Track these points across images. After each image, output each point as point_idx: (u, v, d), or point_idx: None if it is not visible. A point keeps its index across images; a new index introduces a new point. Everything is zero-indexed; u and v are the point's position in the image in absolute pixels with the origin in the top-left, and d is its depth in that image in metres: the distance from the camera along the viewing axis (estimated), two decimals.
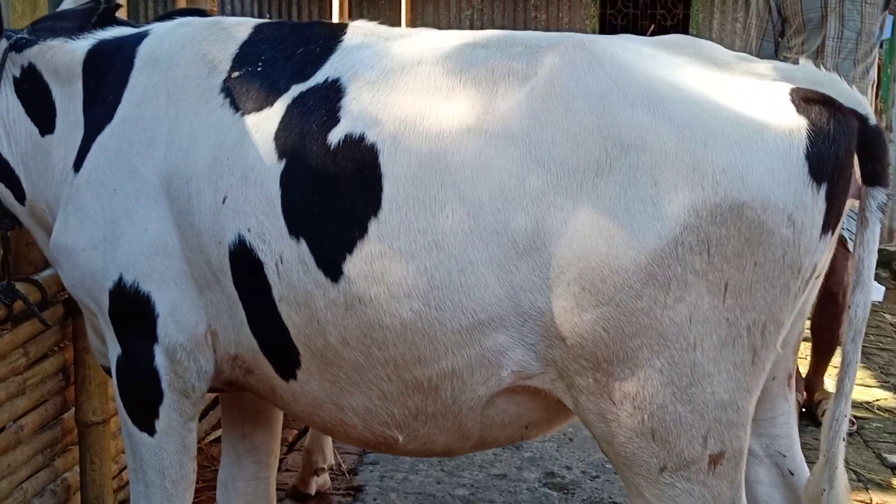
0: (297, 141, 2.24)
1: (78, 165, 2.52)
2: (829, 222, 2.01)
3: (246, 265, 2.27)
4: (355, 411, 2.30)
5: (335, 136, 2.20)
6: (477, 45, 2.27)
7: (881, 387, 5.22)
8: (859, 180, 2.08)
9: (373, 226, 2.13)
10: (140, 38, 2.59)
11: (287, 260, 2.21)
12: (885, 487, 4.25)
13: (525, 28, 10.81)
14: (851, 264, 2.13)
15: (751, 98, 2.02)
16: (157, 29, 2.61)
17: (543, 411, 2.25)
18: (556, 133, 2.05)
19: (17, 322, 3.15)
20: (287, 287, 2.22)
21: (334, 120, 2.22)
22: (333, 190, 2.18)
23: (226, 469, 2.91)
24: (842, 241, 4.08)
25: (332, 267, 2.16)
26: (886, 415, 5.13)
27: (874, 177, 2.06)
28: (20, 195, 2.74)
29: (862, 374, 5.72)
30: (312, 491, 4.00)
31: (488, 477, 4.25)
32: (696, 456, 2.04)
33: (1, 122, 2.71)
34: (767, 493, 2.36)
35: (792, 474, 2.36)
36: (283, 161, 2.24)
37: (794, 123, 1.97)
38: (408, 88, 2.22)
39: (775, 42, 5.07)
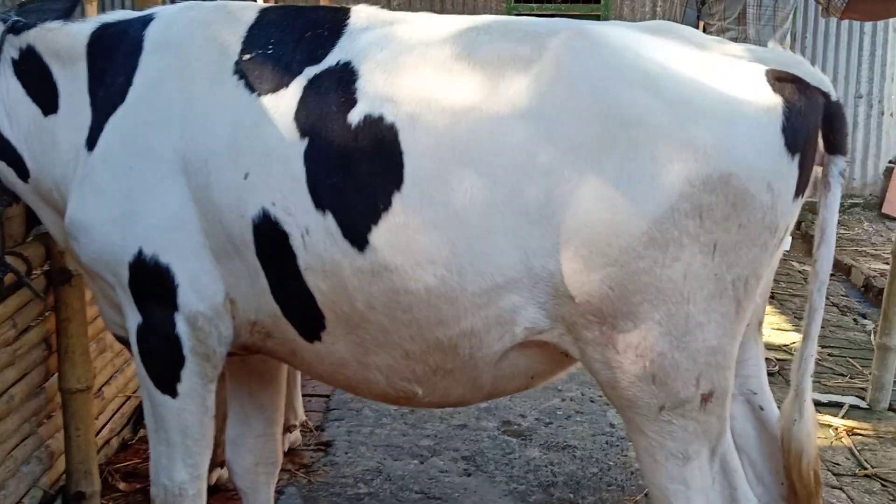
0: (318, 121, 2.40)
1: (91, 145, 2.62)
2: (801, 187, 2.30)
3: (270, 237, 2.42)
4: (379, 369, 2.50)
5: (355, 116, 2.37)
6: (480, 29, 2.46)
7: (795, 330, 5.67)
8: (822, 149, 2.37)
9: (396, 199, 2.32)
10: (146, 21, 2.69)
11: (313, 232, 2.38)
12: None
13: None
14: None
15: (733, 79, 2.27)
16: (163, 13, 2.71)
17: (549, 363, 2.50)
18: (562, 113, 2.26)
19: (4, 295, 3.24)
20: (313, 257, 2.39)
21: (352, 101, 2.39)
22: (357, 166, 2.35)
23: (235, 427, 3.07)
24: None
25: (358, 238, 2.34)
26: None
27: (836, 146, 2.35)
28: (23, 173, 2.82)
29: (777, 320, 6.20)
30: (285, 447, 4.18)
31: (450, 427, 4.51)
32: (690, 395, 2.31)
33: (1, 104, 2.77)
34: (741, 426, 2.67)
35: (762, 409, 2.67)
36: (306, 140, 2.40)
37: (772, 101, 2.24)
38: (419, 71, 2.40)
39: (697, 9, 5.38)
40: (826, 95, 2.32)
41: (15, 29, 2.79)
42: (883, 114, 9.95)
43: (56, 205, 2.82)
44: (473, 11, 10.36)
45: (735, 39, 5.00)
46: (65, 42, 2.75)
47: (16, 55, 2.78)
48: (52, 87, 2.76)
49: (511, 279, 2.31)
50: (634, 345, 2.28)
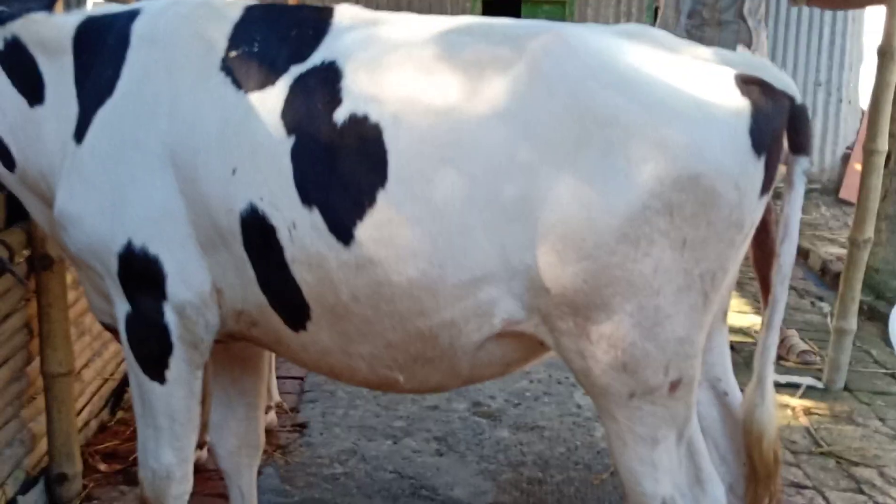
0: (304, 119, 2.47)
1: (79, 137, 2.67)
2: (766, 186, 2.42)
3: (257, 230, 2.50)
4: (362, 357, 2.59)
5: (340, 115, 2.45)
6: (461, 31, 2.54)
7: (755, 313, 5.84)
8: (786, 149, 2.50)
9: (381, 196, 2.40)
10: (132, 16, 2.74)
11: (300, 226, 2.46)
12: None
13: None
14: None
15: (703, 82, 2.38)
16: (149, 7, 2.76)
17: (525, 351, 2.61)
18: (540, 113, 2.36)
19: None
20: (300, 250, 2.48)
21: (337, 100, 2.46)
22: (342, 164, 2.43)
23: (218, 411, 3.15)
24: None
25: (343, 232, 2.43)
26: None
27: (799, 147, 2.47)
28: (9, 163, 2.86)
29: (738, 303, 6.37)
30: None
31: (421, 409, 4.62)
32: (659, 383, 2.43)
33: None
34: (707, 411, 2.81)
35: (726, 395, 2.81)
36: (293, 137, 2.47)
37: (740, 104, 2.35)
38: (402, 71, 2.48)
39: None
40: (791, 98, 2.43)
41: None
42: (841, 101, 10.17)
43: (42, 194, 2.87)
44: (441, 11, 10.40)
45: (737, 33, 5.13)
46: (51, 34, 2.79)
47: (0, 46, 2.80)
48: (38, 79, 2.79)
49: (489, 272, 2.41)
50: (607, 335, 2.40)
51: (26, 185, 2.91)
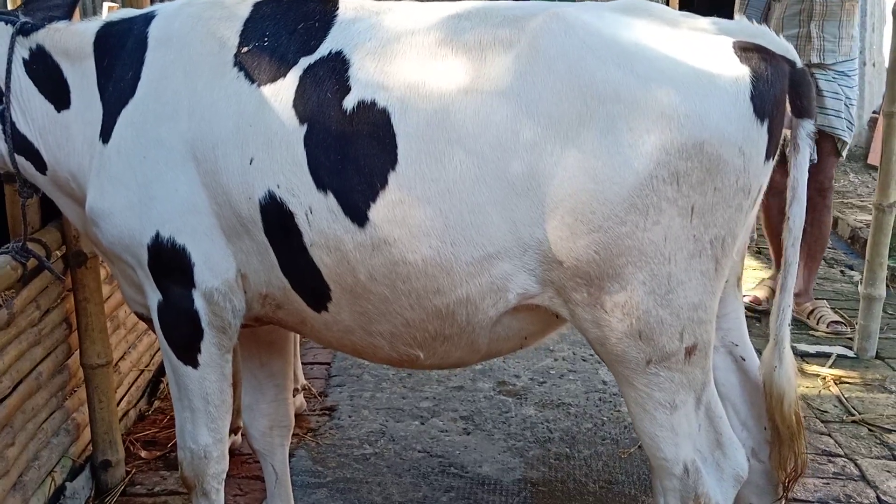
0: (315, 108, 2.56)
1: (106, 137, 2.78)
2: (771, 150, 2.47)
3: (276, 216, 2.59)
4: (383, 335, 2.68)
5: (349, 102, 2.53)
6: (461, 16, 2.61)
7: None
8: (790, 114, 2.54)
9: (392, 178, 2.48)
10: (148, 19, 2.85)
11: (316, 210, 2.55)
12: None
13: None
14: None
15: (702, 52, 2.43)
16: (163, 10, 2.87)
17: (541, 324, 2.68)
18: (542, 91, 2.42)
19: (28, 279, 3.41)
20: (317, 233, 2.56)
21: (346, 88, 2.55)
22: (354, 149, 2.52)
23: (248, 394, 3.27)
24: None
25: (358, 214, 2.51)
26: None
27: (802, 110, 2.52)
28: (41, 166, 2.98)
29: (760, 274, 6.37)
30: None
31: (447, 389, 4.70)
32: (675, 349, 2.49)
33: (16, 102, 2.92)
34: (724, 376, 2.86)
35: (744, 360, 2.86)
36: (305, 126, 2.56)
37: (740, 72, 2.40)
38: (407, 57, 2.56)
39: None
40: (791, 63, 2.48)
41: (24, 30, 2.93)
42: (865, 64, 10.03)
43: (73, 194, 2.99)
44: None
45: (801, 2, 5.27)
46: (73, 41, 2.91)
47: (26, 55, 2.92)
48: (64, 85, 2.91)
49: (501, 248, 2.48)
50: (621, 304, 2.46)
51: (58, 186, 3.03)
